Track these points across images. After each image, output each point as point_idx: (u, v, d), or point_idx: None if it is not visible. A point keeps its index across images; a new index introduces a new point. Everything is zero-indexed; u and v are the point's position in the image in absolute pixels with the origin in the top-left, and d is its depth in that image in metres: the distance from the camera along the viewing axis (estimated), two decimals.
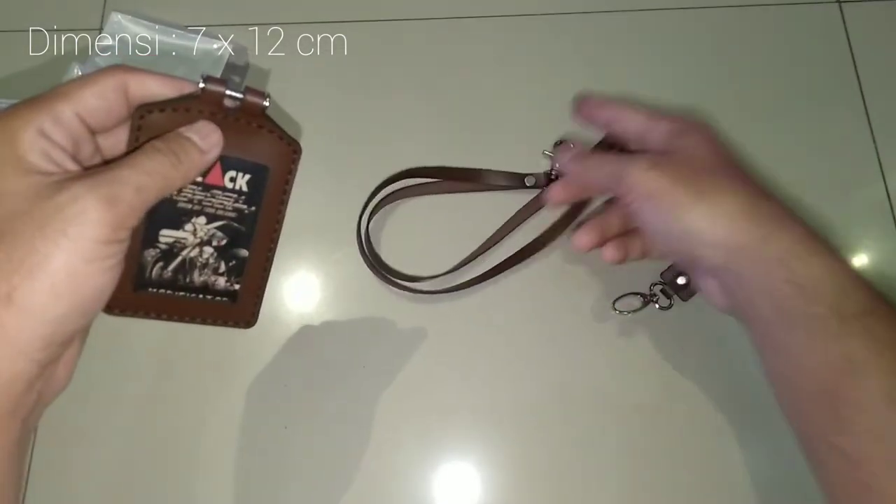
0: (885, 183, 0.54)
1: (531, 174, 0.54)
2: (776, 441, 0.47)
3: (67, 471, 0.49)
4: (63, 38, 0.59)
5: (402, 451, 0.49)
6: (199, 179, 0.31)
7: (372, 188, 0.54)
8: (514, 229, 0.53)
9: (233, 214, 0.32)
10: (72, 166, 0.27)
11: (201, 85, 0.29)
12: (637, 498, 0.47)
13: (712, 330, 0.50)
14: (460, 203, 0.54)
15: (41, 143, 0.26)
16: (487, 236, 0.53)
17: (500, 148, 0.55)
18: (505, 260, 0.52)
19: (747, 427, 0.48)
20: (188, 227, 0.31)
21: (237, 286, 0.34)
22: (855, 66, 0.57)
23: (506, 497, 0.48)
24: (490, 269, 0.52)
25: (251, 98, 0.30)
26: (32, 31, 0.60)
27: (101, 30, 0.58)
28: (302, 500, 0.48)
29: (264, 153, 0.31)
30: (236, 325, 0.35)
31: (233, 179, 0.31)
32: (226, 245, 0.32)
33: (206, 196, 0.31)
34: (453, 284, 0.52)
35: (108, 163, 0.29)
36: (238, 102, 0.30)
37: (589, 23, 0.59)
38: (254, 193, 0.32)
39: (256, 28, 0.59)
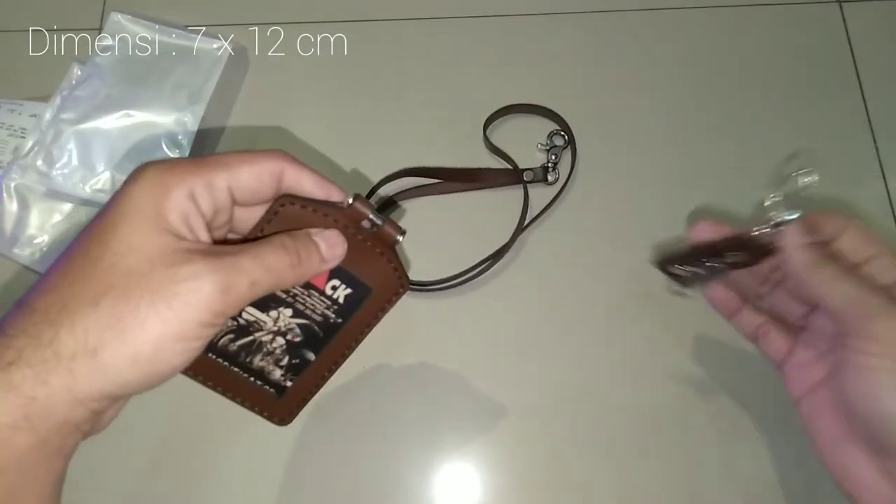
0: (885, 182, 0.54)
1: (529, 169, 0.54)
2: (793, 445, 0.47)
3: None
4: (63, 38, 0.59)
5: (403, 451, 0.49)
6: None
7: (370, 188, 0.54)
8: (523, 230, 0.53)
9: (318, 318, 0.32)
10: (204, 235, 0.28)
11: (350, 200, 0.30)
12: (640, 499, 0.47)
13: (724, 329, 0.50)
14: (460, 203, 0.54)
15: (187, 206, 0.27)
16: (488, 236, 0.53)
17: (498, 145, 0.55)
18: (498, 250, 0.52)
19: (763, 431, 0.48)
20: (273, 313, 0.32)
21: (289, 383, 0.33)
22: (855, 66, 0.57)
23: (507, 497, 0.48)
24: (489, 257, 0.52)
25: (388, 229, 0.31)
26: (32, 31, 0.60)
27: (101, 30, 0.58)
28: (302, 501, 0.48)
29: (374, 277, 0.32)
30: (271, 418, 0.34)
31: (334, 288, 0.32)
32: (298, 343, 0.32)
33: (303, 293, 0.32)
34: (450, 274, 0.52)
35: (230, 242, 0.30)
36: (375, 228, 0.31)
37: (588, 22, 0.59)
38: (347, 308, 0.32)
39: (256, 28, 0.59)
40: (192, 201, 0.27)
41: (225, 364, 0.32)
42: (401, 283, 0.33)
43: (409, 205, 0.54)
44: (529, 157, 0.55)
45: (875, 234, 0.34)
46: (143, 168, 0.27)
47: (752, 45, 0.58)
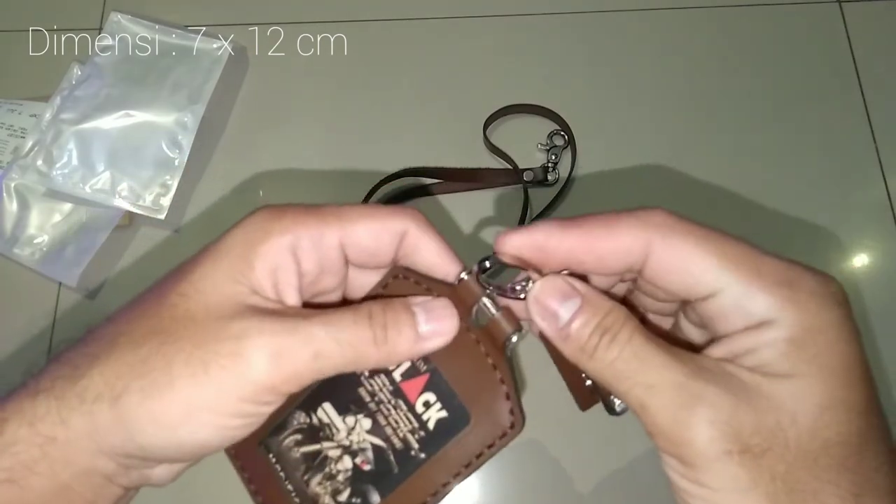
0: (885, 183, 0.54)
1: (529, 169, 0.54)
2: None
3: None
4: (63, 38, 0.59)
5: None
6: (399, 377, 0.24)
7: (371, 188, 0.54)
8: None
9: (398, 444, 0.24)
10: (292, 298, 0.23)
11: (463, 275, 0.24)
12: (642, 498, 0.47)
13: None
14: (460, 203, 0.54)
15: (283, 259, 0.22)
16: (488, 236, 0.53)
17: (498, 145, 0.55)
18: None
19: None
20: (349, 419, 0.24)
21: None
22: (855, 66, 0.57)
23: (508, 498, 0.48)
24: None
25: (502, 319, 0.24)
26: (32, 31, 0.60)
27: (100, 29, 0.58)
28: None
29: (475, 399, 0.24)
30: None
31: (426, 405, 0.24)
32: (366, 474, 0.24)
33: (389, 400, 0.24)
34: None
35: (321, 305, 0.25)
36: (488, 315, 0.24)
37: (589, 22, 0.59)
38: (435, 439, 0.24)
39: (256, 28, 0.59)
40: (291, 255, 0.23)
41: (279, 471, 0.25)
42: (511, 422, 0.24)
43: (408, 205, 0.54)
44: (529, 157, 0.55)
45: (699, 245, 0.21)
46: (256, 210, 0.23)
47: (752, 45, 0.58)
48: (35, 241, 0.53)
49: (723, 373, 0.20)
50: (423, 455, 0.24)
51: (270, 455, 0.25)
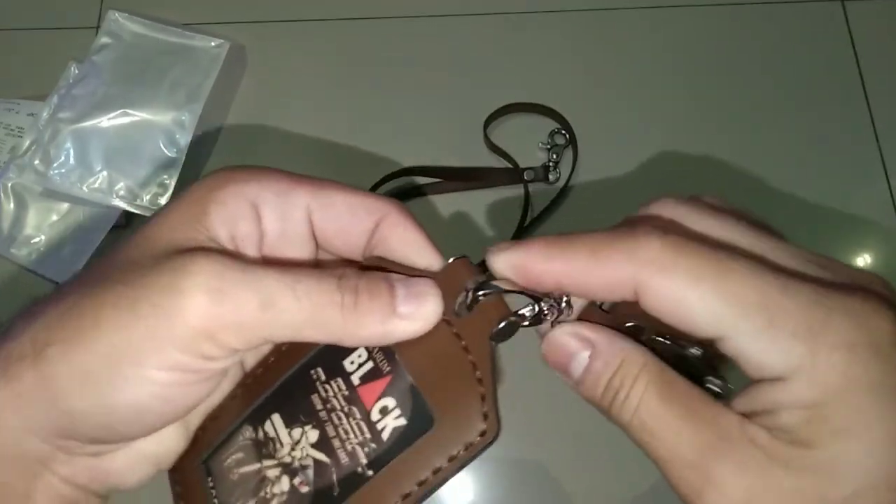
0: (888, 182, 0.53)
1: (530, 168, 0.53)
2: None
3: None
4: (60, 37, 0.59)
5: None
6: (357, 380, 0.21)
7: (369, 187, 0.54)
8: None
9: (343, 459, 0.20)
10: (251, 250, 0.20)
11: (450, 260, 0.21)
12: (644, 498, 0.47)
13: None
14: (461, 202, 0.54)
15: (241, 208, 0.20)
16: (488, 235, 0.52)
17: (499, 144, 0.54)
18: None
19: None
20: (295, 432, 0.21)
21: None
22: (858, 65, 0.57)
23: (506, 498, 0.47)
24: None
25: (490, 306, 0.20)
26: (30, 29, 0.59)
27: (98, 28, 0.58)
28: None
29: (446, 404, 0.20)
30: None
31: (383, 412, 0.20)
32: (303, 496, 0.20)
33: (342, 407, 0.21)
34: None
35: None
36: (476, 298, 0.20)
37: (589, 20, 0.59)
38: (388, 451, 0.20)
39: (254, 26, 0.59)
40: (250, 206, 0.20)
41: (213, 496, 0.21)
42: (484, 425, 0.20)
43: (408, 205, 0.54)
44: (530, 156, 0.54)
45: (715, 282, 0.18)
46: (221, 168, 0.21)
47: (754, 44, 0.58)
48: (32, 241, 0.52)
49: (742, 440, 0.18)
50: (370, 472, 0.20)
51: (209, 478, 0.21)
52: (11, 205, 0.53)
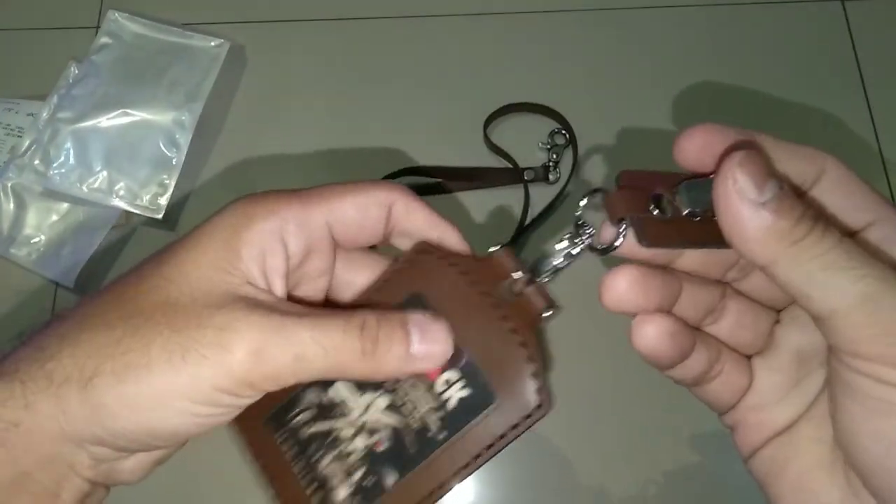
0: (887, 180, 0.53)
1: (530, 168, 0.53)
2: None
3: None
4: (60, 37, 0.59)
5: None
6: None
7: None
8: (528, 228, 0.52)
9: (415, 424, 0.23)
10: (279, 287, 0.22)
11: (491, 249, 0.23)
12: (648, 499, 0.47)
13: None
14: (461, 202, 0.54)
15: (269, 243, 0.22)
16: (488, 236, 0.52)
17: (499, 144, 0.54)
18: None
19: None
20: (366, 397, 0.23)
21: None
22: (858, 64, 0.57)
23: (507, 499, 0.47)
24: None
25: (533, 294, 0.23)
26: (29, 29, 0.59)
27: (98, 28, 0.58)
28: None
29: (503, 381, 0.22)
30: None
31: (447, 383, 0.23)
32: (381, 454, 0.23)
33: (407, 379, 0.23)
34: None
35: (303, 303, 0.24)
36: (520, 288, 0.23)
37: (589, 20, 0.59)
38: (456, 419, 0.23)
39: (254, 26, 0.59)
40: (277, 238, 0.22)
41: (287, 451, 0.24)
42: (539, 398, 0.22)
43: None
44: (530, 156, 0.54)
45: (864, 183, 0.22)
46: (237, 198, 0.23)
47: (754, 43, 0.58)
48: (32, 241, 0.52)
49: None
50: (441, 436, 0.23)
51: (277, 434, 0.24)
52: (11, 205, 0.53)
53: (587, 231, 0.23)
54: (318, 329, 0.21)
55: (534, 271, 0.23)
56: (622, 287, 0.22)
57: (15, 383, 0.20)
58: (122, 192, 0.52)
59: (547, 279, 0.23)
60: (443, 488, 0.23)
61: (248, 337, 0.20)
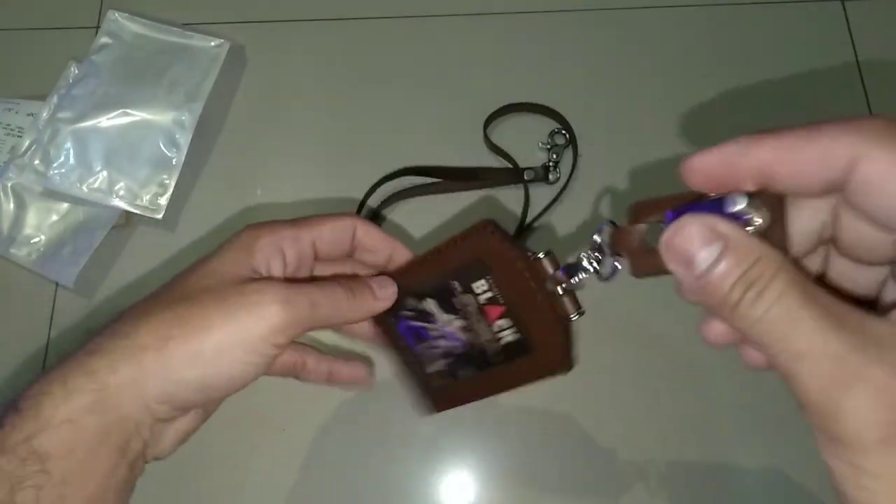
0: None
1: (530, 168, 0.53)
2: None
3: None
4: (60, 37, 0.59)
5: (400, 453, 0.48)
6: (482, 300, 0.30)
7: (369, 187, 0.53)
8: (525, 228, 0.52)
9: (478, 347, 0.31)
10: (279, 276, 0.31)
11: (540, 255, 0.29)
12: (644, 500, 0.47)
13: None
14: (461, 202, 0.54)
15: (272, 251, 0.30)
16: None
17: (499, 144, 0.54)
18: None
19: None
20: (446, 316, 0.32)
21: (435, 382, 0.34)
22: (858, 64, 0.57)
23: (506, 499, 0.47)
24: None
25: (565, 301, 0.28)
26: (30, 29, 0.59)
27: (98, 28, 0.58)
28: (301, 501, 0.47)
29: (540, 341, 0.29)
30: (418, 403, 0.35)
31: (501, 329, 0.30)
32: (454, 356, 0.32)
33: (474, 314, 0.31)
34: None
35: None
36: (555, 289, 0.28)
37: (590, 20, 0.59)
38: (504, 355, 0.31)
39: (254, 26, 0.59)
40: (277, 249, 0.30)
41: (399, 337, 0.33)
42: (560, 363, 0.29)
43: (408, 204, 0.54)
44: (530, 156, 0.54)
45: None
46: (246, 225, 0.31)
47: (754, 43, 0.58)
48: (32, 241, 0.52)
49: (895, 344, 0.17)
50: (493, 361, 0.31)
51: (395, 325, 0.33)
52: (11, 205, 0.53)
53: (595, 260, 0.27)
54: (321, 286, 0.30)
55: (569, 274, 0.28)
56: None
57: (103, 356, 0.26)
58: (122, 192, 0.52)
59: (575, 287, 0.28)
60: (486, 395, 0.32)
61: (277, 292, 0.28)
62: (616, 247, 0.25)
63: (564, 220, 0.53)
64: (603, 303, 0.51)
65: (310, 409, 0.49)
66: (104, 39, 0.56)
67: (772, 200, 0.20)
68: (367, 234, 0.33)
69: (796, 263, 0.19)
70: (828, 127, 0.19)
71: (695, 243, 0.19)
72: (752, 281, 0.18)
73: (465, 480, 0.48)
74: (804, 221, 0.22)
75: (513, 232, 0.52)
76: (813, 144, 0.19)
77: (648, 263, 0.23)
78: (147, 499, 0.48)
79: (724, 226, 0.19)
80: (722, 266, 0.19)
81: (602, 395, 0.49)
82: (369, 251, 0.34)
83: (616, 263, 0.26)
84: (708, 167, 0.21)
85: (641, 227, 0.24)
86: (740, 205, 0.20)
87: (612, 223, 0.25)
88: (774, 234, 0.20)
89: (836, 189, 0.19)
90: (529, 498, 0.47)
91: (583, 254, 0.27)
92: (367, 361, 0.37)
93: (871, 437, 0.17)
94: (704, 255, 0.19)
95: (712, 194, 0.21)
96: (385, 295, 0.32)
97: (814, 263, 0.23)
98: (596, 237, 0.26)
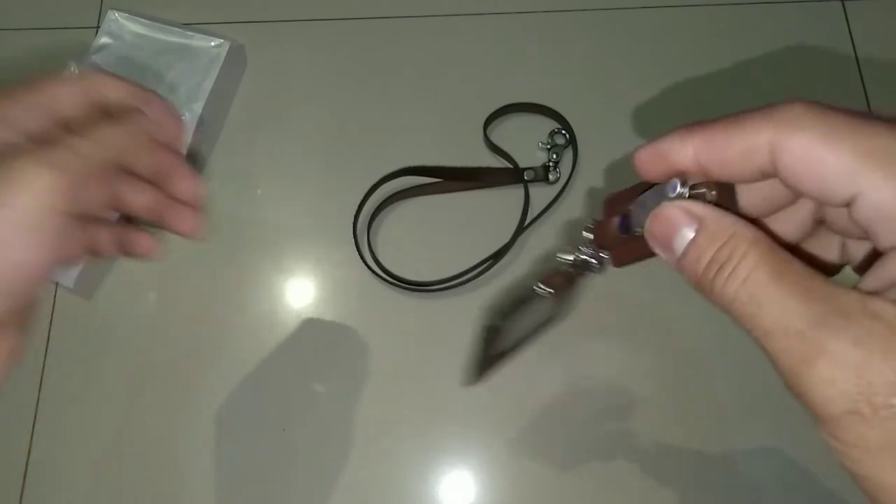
0: None
1: (530, 168, 0.53)
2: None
3: (62, 475, 0.48)
4: (60, 37, 0.59)
5: (400, 452, 0.48)
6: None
7: (369, 187, 0.53)
8: (523, 230, 0.52)
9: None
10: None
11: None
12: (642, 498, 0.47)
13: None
14: (460, 202, 0.54)
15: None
16: (488, 235, 0.52)
17: (499, 144, 0.54)
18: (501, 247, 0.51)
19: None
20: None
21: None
22: (858, 64, 0.57)
23: (506, 499, 0.47)
24: (489, 257, 0.51)
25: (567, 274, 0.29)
26: (30, 29, 0.59)
27: (98, 28, 0.58)
28: (301, 501, 0.48)
29: (556, 291, 0.30)
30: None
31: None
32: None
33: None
34: (451, 274, 0.51)
35: None
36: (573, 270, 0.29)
37: (590, 20, 0.59)
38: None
39: (254, 25, 0.59)
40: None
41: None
42: (557, 311, 0.30)
43: (409, 204, 0.54)
44: (530, 156, 0.54)
45: (840, 140, 0.18)
46: None
47: (754, 43, 0.57)
48: None
49: (863, 314, 0.17)
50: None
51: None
52: None
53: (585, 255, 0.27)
54: (80, 134, 0.25)
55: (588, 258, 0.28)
56: None
57: None
58: None
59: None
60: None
61: (35, 155, 0.23)
62: (598, 241, 0.26)
63: (564, 220, 0.53)
64: (606, 294, 0.51)
65: (310, 409, 0.49)
66: (104, 39, 0.56)
67: (719, 184, 0.21)
68: (103, 86, 0.28)
69: (773, 237, 0.19)
70: (748, 117, 0.20)
71: (673, 227, 0.20)
72: (723, 260, 0.19)
73: (465, 480, 0.48)
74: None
75: (512, 233, 0.52)
76: (735, 137, 0.20)
77: (624, 252, 0.24)
78: (146, 498, 0.48)
79: (698, 208, 0.20)
80: (693, 250, 0.19)
81: (601, 391, 0.49)
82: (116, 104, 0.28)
83: (602, 255, 0.26)
84: (650, 158, 0.22)
85: (615, 219, 0.25)
86: (679, 190, 0.21)
87: (594, 222, 0.26)
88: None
89: (772, 175, 0.19)
90: (529, 497, 0.47)
91: (576, 252, 0.28)
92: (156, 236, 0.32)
93: (838, 410, 0.17)
94: (680, 239, 0.20)
95: (663, 182, 0.22)
96: (156, 112, 0.28)
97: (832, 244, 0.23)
98: (585, 234, 0.27)
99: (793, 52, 0.57)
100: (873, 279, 0.18)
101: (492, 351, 0.32)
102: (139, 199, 0.30)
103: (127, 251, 0.31)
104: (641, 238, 0.22)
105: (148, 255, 0.32)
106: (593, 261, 0.27)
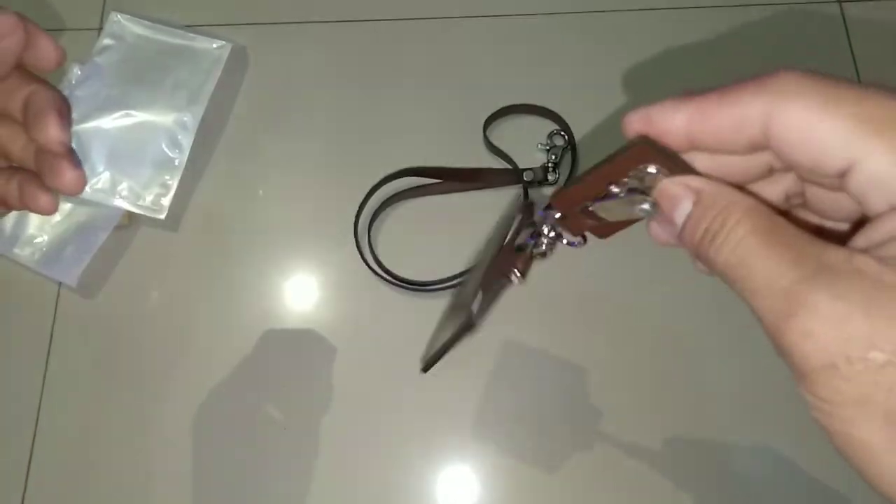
0: None
1: (529, 169, 0.54)
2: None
3: (67, 474, 0.49)
4: (63, 38, 0.59)
5: (400, 451, 0.49)
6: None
7: (370, 188, 0.54)
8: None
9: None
10: None
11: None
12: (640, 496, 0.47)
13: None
14: (460, 203, 0.54)
15: None
16: (488, 234, 0.53)
17: (499, 145, 0.54)
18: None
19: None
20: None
21: None
22: (855, 66, 0.57)
23: (505, 498, 0.48)
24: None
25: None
26: None
27: (100, 30, 0.58)
28: (300, 501, 0.48)
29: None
30: None
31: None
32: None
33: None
34: (450, 274, 0.51)
35: None
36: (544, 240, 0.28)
37: (589, 22, 0.59)
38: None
39: (256, 27, 0.59)
40: None
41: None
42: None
43: (409, 204, 0.54)
44: (530, 157, 0.55)
45: (836, 108, 0.18)
46: None
47: (752, 45, 0.58)
48: (35, 241, 0.53)
49: (847, 270, 0.17)
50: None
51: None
52: None
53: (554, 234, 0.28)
54: None
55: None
56: None
57: None
58: (124, 193, 0.52)
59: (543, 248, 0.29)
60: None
61: None
62: (573, 230, 0.26)
63: None
64: (598, 289, 0.51)
65: (310, 409, 0.50)
66: (107, 41, 0.56)
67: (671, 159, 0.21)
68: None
69: (766, 204, 0.19)
70: (742, 88, 0.19)
71: (674, 203, 0.20)
72: (716, 229, 0.19)
73: (465, 480, 0.48)
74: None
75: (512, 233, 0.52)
76: (727, 108, 0.19)
77: (605, 229, 0.25)
78: (145, 498, 0.48)
79: (696, 181, 0.20)
80: (692, 218, 0.20)
81: (599, 386, 0.49)
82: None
83: (579, 238, 0.27)
84: (640, 125, 0.21)
85: (580, 208, 0.25)
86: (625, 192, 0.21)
87: (556, 217, 0.26)
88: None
89: (762, 147, 0.19)
90: (529, 496, 0.48)
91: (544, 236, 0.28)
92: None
93: (816, 364, 0.17)
94: (679, 213, 0.20)
95: (614, 188, 0.23)
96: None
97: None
98: (545, 227, 0.27)
99: (791, 54, 0.58)
100: (864, 239, 0.18)
101: (455, 340, 0.31)
102: (13, 145, 0.28)
103: (26, 203, 0.28)
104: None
105: (46, 210, 0.28)
106: (575, 240, 0.27)
